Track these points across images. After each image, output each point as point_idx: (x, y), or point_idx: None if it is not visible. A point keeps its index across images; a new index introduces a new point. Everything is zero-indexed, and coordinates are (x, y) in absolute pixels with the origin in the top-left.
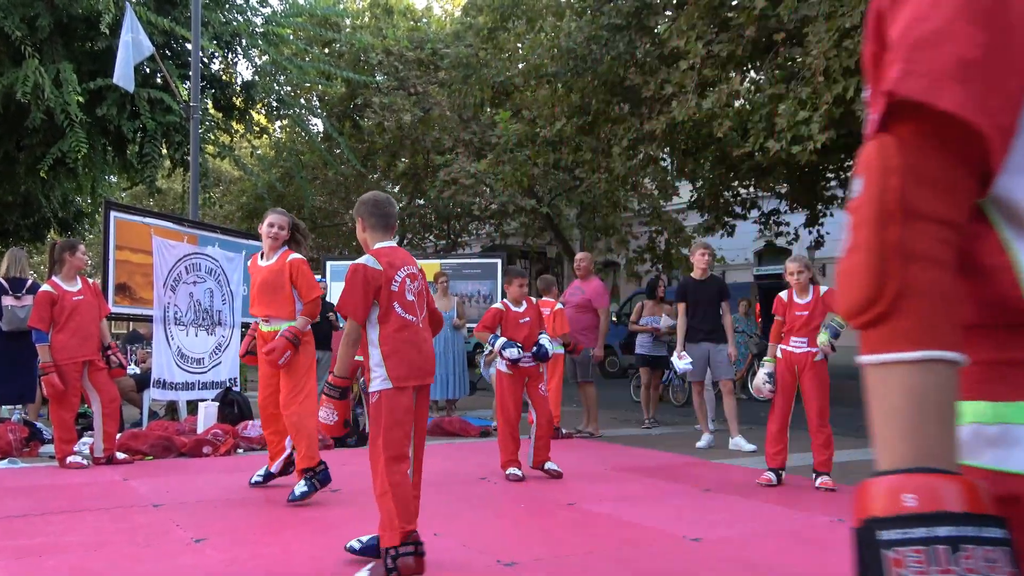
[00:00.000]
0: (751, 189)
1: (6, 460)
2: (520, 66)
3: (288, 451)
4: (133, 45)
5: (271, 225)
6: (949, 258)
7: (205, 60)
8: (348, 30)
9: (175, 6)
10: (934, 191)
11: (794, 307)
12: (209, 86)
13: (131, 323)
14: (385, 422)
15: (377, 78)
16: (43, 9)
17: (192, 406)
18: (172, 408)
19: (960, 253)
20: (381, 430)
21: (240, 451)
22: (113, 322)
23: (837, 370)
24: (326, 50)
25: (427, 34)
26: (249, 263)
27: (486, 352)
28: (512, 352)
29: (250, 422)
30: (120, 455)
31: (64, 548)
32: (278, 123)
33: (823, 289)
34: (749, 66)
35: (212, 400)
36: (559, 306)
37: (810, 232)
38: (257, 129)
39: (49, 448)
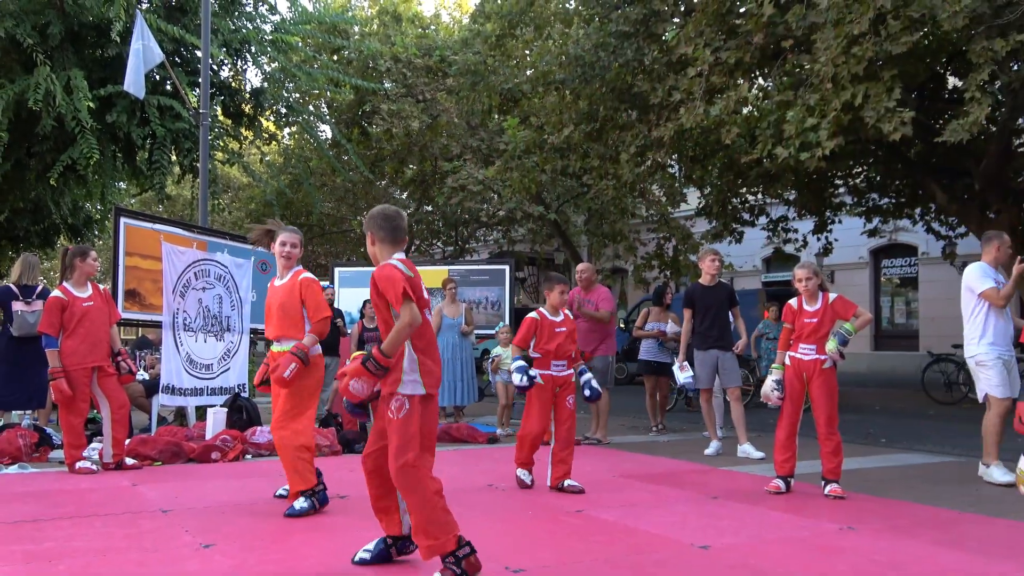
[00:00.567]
0: (759, 196)
1: (16, 465)
2: (528, 73)
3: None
4: (143, 52)
5: (283, 244)
6: None
7: (215, 67)
8: (357, 37)
9: (185, 14)
10: None
11: (803, 314)
12: (218, 93)
13: (140, 329)
14: (419, 428)
15: (385, 85)
16: (54, 17)
17: (201, 412)
18: (181, 414)
19: None
20: (416, 437)
21: (248, 457)
22: (122, 328)
23: (845, 377)
24: (335, 57)
25: (435, 41)
26: (269, 286)
27: (491, 359)
28: (518, 379)
29: (259, 428)
30: (129, 460)
31: (73, 553)
32: (287, 130)
33: (832, 296)
34: (757, 73)
35: (221, 406)
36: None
37: (818, 239)
38: (266, 136)
39: (59, 453)
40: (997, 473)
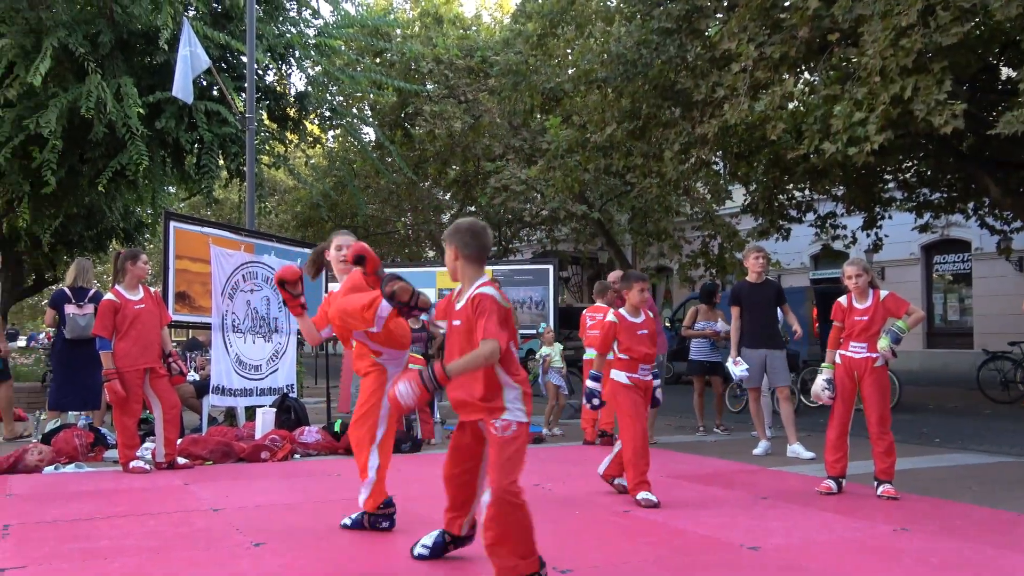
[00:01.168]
0: (806, 192)
1: (72, 464)
2: (570, 72)
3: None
4: (191, 59)
5: (339, 248)
6: None
7: (260, 72)
8: (399, 40)
9: (231, 20)
10: None
11: (853, 312)
12: (264, 97)
13: (191, 331)
14: (520, 456)
15: (427, 87)
16: (105, 26)
17: (250, 412)
18: (231, 414)
19: None
20: (520, 458)
21: (297, 456)
22: (173, 329)
23: (897, 375)
24: (377, 60)
25: (476, 42)
26: (326, 296)
27: (540, 358)
28: (592, 403)
29: (306, 428)
30: (181, 460)
31: (127, 551)
32: (331, 133)
33: (883, 293)
34: (803, 67)
35: (270, 406)
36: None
37: (868, 235)
38: (310, 139)
39: (113, 453)
40: None
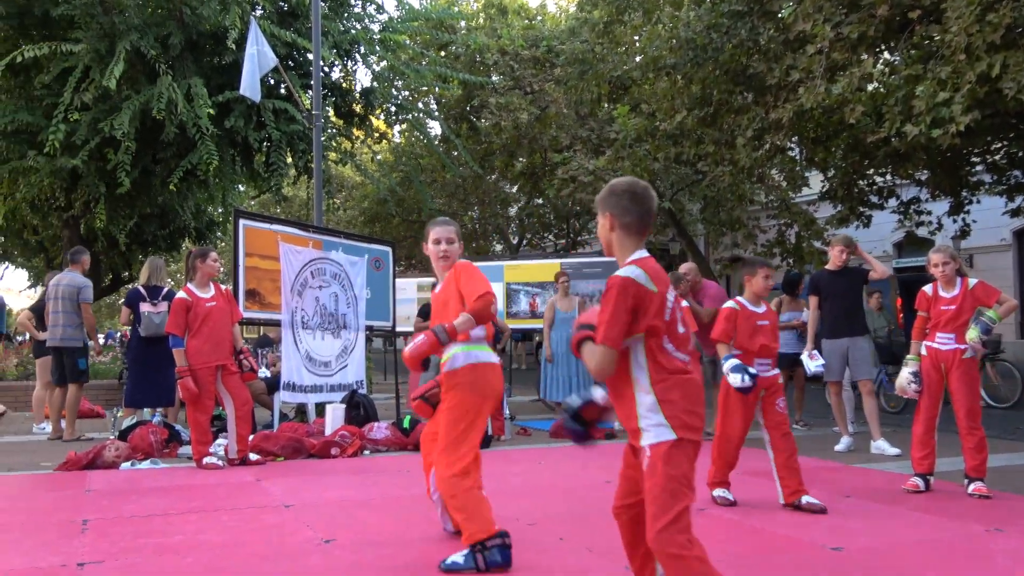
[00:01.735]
0: (888, 177)
1: (148, 461)
2: (637, 59)
3: None
4: (258, 57)
5: (436, 242)
6: None
7: (326, 69)
8: (463, 32)
9: (296, 18)
10: None
11: (939, 301)
12: (330, 94)
13: (261, 328)
14: (677, 482)
15: (493, 79)
16: (175, 28)
17: (320, 408)
18: (301, 410)
19: None
20: (675, 501)
21: (366, 452)
22: (244, 327)
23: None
24: (442, 53)
25: (542, 32)
26: (432, 298)
27: None
28: (739, 380)
29: (376, 424)
30: (253, 456)
31: (200, 546)
32: (397, 128)
33: (972, 282)
34: (882, 47)
35: (339, 402)
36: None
37: (954, 221)
38: (377, 135)
39: (187, 449)
40: None
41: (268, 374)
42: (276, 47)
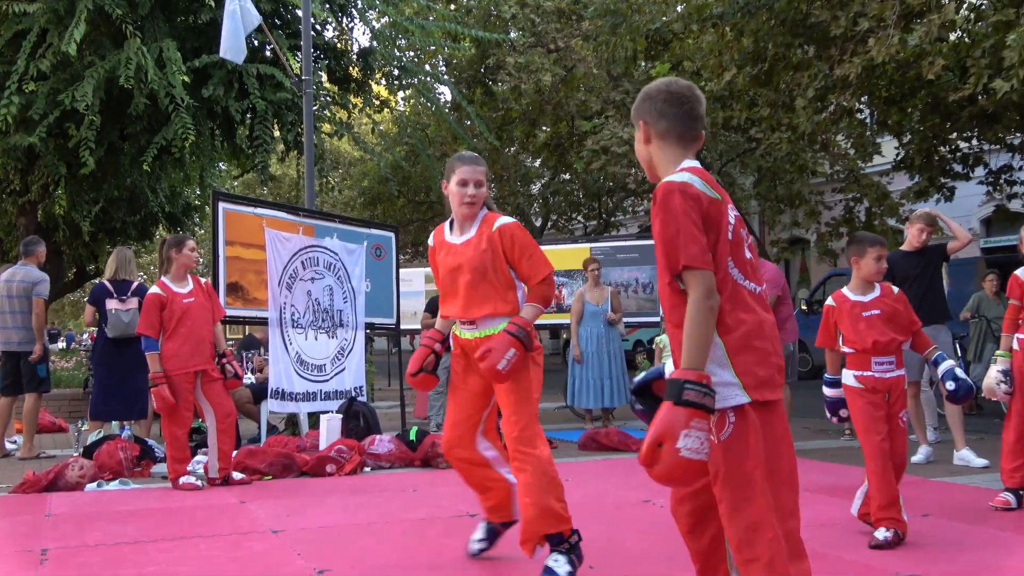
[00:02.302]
0: (974, 142)
1: (117, 481)
2: (679, 9)
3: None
4: (240, 14)
5: (463, 183)
6: None
7: (317, 28)
8: None
9: None
10: None
11: None
12: (322, 57)
13: (246, 327)
14: (757, 460)
15: (511, 35)
16: None
17: (314, 419)
18: (292, 422)
19: None
20: (753, 475)
21: (367, 469)
22: (227, 326)
23: None
24: (452, 6)
25: None
26: (431, 241)
27: (654, 347)
28: (832, 392)
29: (378, 437)
30: (236, 475)
31: None
32: (400, 94)
33: None
34: None
35: (335, 412)
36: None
37: None
38: (377, 103)
39: (162, 468)
40: None
41: (254, 380)
42: (260, 3)
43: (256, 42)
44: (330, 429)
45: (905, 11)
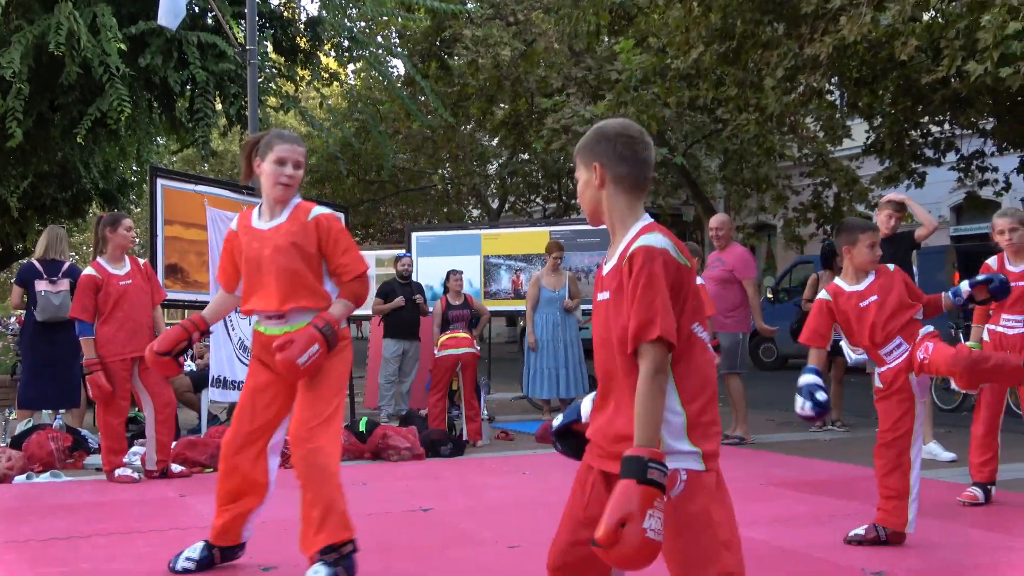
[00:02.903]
0: (946, 126)
1: (47, 473)
2: None
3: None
4: None
5: (281, 162)
6: None
7: None
8: None
9: None
10: None
11: (1007, 276)
12: (268, 25)
13: (186, 311)
14: (711, 536)
15: (468, 6)
16: None
17: None
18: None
19: None
20: (720, 536)
21: None
22: (166, 310)
23: None
24: None
25: None
26: (234, 225)
27: None
28: (802, 405)
29: None
30: (176, 467)
31: None
32: (351, 67)
33: None
34: None
35: None
36: (699, 281)
37: None
38: (326, 75)
39: (96, 459)
40: None
41: (194, 368)
42: None
43: (197, 8)
44: None
45: None
